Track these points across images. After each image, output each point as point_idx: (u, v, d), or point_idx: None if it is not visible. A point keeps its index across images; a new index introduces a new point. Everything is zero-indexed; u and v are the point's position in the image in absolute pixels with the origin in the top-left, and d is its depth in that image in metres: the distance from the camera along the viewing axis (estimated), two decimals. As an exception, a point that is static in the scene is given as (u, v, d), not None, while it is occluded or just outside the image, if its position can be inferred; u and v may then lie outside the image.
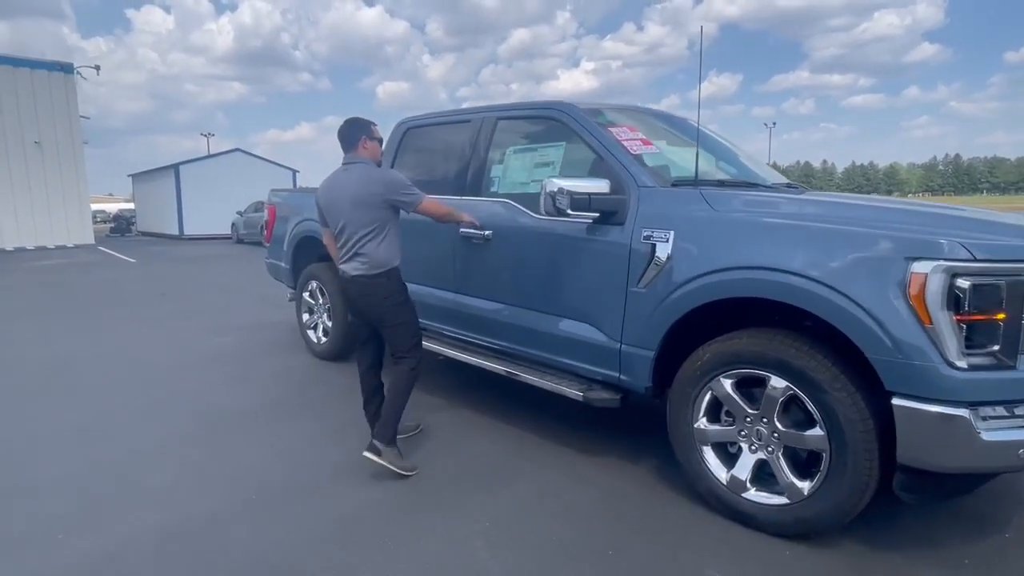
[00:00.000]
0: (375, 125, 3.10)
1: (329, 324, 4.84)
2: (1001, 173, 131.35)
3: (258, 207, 19.77)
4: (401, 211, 3.06)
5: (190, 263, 13.98)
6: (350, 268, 2.96)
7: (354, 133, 3.02)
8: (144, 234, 28.10)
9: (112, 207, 45.28)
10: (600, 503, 2.61)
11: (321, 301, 4.91)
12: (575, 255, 2.91)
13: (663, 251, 2.53)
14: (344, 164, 3.05)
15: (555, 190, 2.63)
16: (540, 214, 3.05)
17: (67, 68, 19.94)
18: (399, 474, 2.85)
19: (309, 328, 5.09)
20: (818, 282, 2.09)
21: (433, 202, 3.04)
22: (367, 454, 2.89)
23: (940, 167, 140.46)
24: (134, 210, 32.33)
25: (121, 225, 28.70)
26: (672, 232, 2.51)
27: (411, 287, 3.76)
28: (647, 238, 2.59)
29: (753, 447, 2.39)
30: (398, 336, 3.01)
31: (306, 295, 5.03)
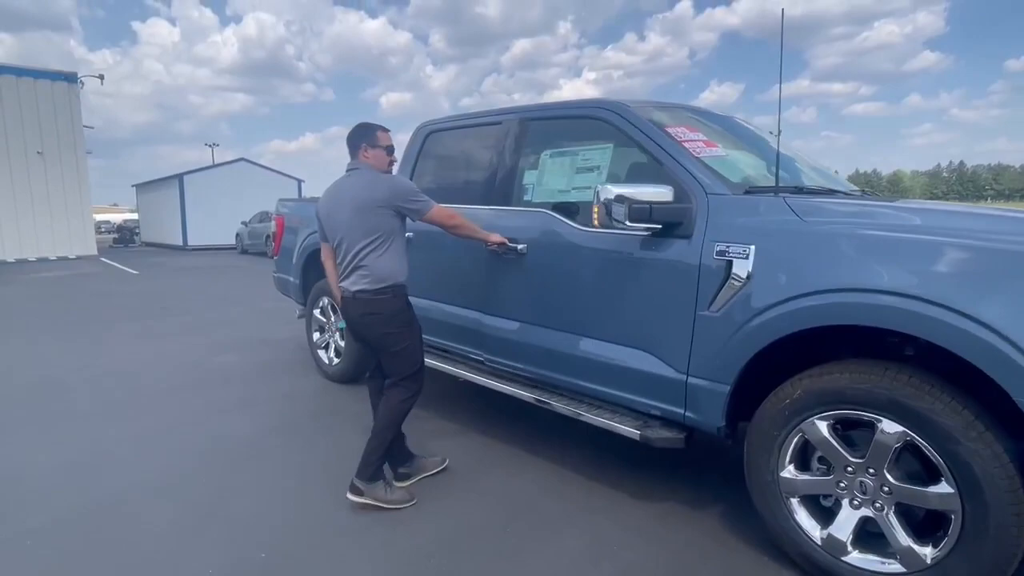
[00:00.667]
0: (383, 131, 2.79)
1: (342, 344, 4.48)
2: (1006, 180, 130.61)
3: (263, 217, 19.51)
4: (408, 222, 2.77)
5: (193, 275, 13.66)
6: (350, 284, 2.66)
7: (355, 139, 2.75)
8: (148, 244, 27.85)
9: (117, 217, 45.15)
10: (668, 565, 2.23)
11: (333, 319, 4.55)
12: (628, 272, 2.55)
13: (742, 269, 2.16)
14: (347, 171, 2.78)
15: (611, 198, 2.27)
16: (584, 225, 2.73)
17: (70, 77, 19.74)
18: (392, 510, 2.60)
19: (320, 348, 4.73)
20: (950, 309, 1.72)
21: (445, 211, 2.77)
22: (349, 496, 2.64)
23: (944, 174, 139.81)
24: (138, 220, 32.12)
25: (124, 235, 28.47)
26: (752, 247, 2.15)
27: (427, 303, 3.43)
28: (721, 254, 2.22)
29: (856, 501, 2.02)
30: (398, 362, 2.72)
31: (317, 312, 4.68)
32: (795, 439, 2.10)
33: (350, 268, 2.65)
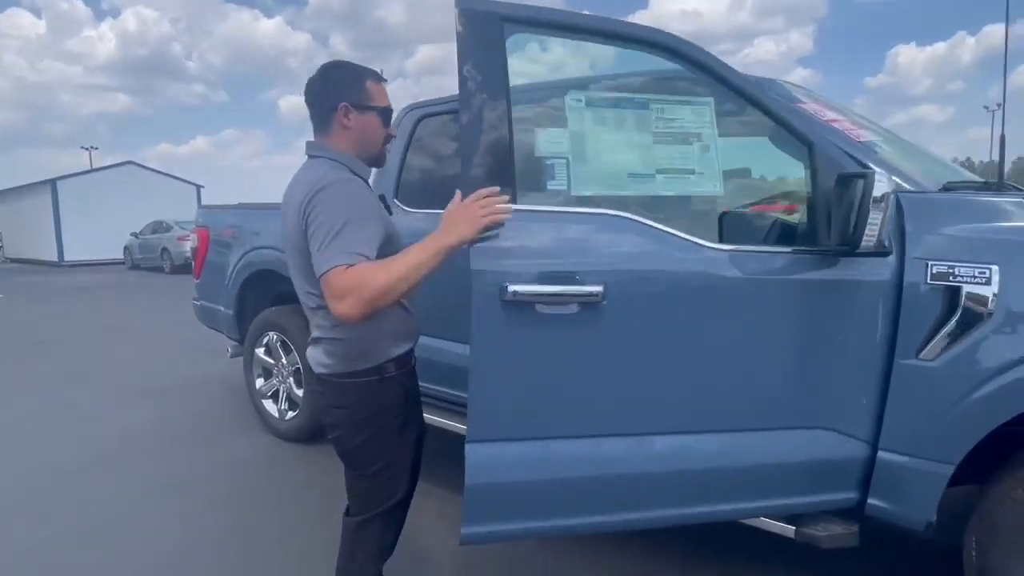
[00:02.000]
0: (376, 81, 1.54)
1: (298, 393, 3.47)
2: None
3: (157, 227, 17.44)
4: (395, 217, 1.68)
5: (75, 297, 11.62)
6: (311, 358, 1.56)
7: (327, 94, 1.50)
8: (12, 261, 24.22)
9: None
10: None
11: (285, 361, 3.52)
12: (774, 312, 1.67)
13: (979, 299, 1.49)
14: (307, 155, 1.56)
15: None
16: (709, 241, 1.61)
17: (-94, 65, 16.59)
18: None
19: (266, 397, 3.67)
20: None
21: (355, 278, 1.28)
22: None
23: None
24: (-1, 233, 27.98)
25: (-18, 251, 24.63)
26: (995, 267, 1.49)
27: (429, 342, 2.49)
28: (940, 277, 1.54)
29: None
30: (365, 489, 1.58)
31: (260, 352, 3.63)
32: (1073, 545, 1.46)
33: (311, 335, 1.57)
